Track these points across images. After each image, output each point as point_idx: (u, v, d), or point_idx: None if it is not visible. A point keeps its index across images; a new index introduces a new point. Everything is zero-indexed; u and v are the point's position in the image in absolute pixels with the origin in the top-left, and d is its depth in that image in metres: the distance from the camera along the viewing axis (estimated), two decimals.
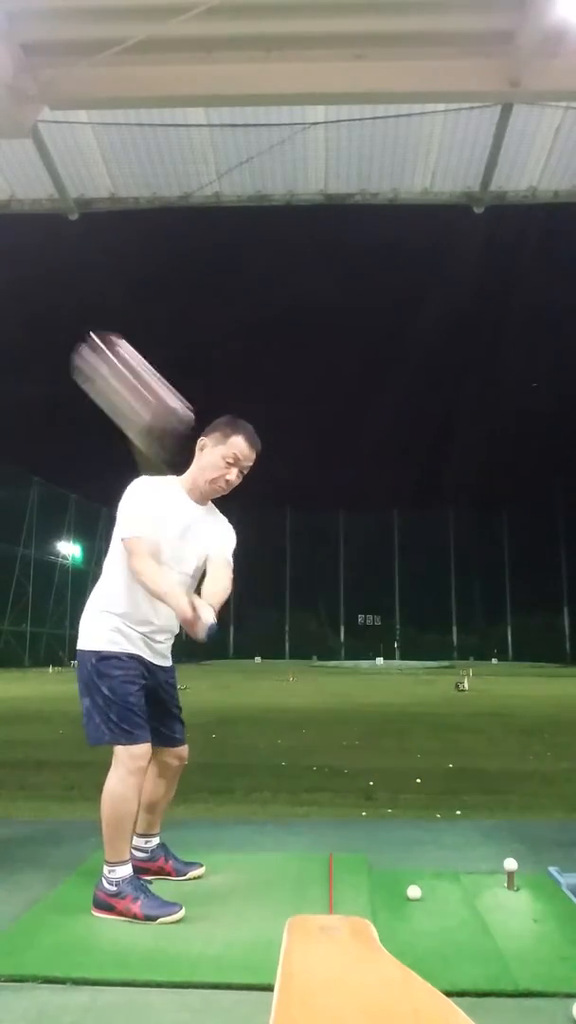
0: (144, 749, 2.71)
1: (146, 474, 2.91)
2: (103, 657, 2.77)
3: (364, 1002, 1.72)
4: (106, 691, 2.72)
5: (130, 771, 2.66)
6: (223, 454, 2.87)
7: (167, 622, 2.88)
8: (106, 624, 2.80)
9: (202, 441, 2.93)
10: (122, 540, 2.76)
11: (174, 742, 2.95)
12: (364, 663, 38.16)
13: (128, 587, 2.79)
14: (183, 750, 2.99)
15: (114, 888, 2.62)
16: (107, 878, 2.65)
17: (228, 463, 2.87)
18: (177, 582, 2.79)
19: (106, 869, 2.66)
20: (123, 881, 2.63)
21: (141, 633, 2.83)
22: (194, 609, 2.49)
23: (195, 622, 2.47)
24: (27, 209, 4.78)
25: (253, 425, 2.99)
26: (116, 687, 2.73)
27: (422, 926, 2.54)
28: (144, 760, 2.71)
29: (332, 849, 3.38)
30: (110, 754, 2.77)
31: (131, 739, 2.69)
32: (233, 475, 2.89)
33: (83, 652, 2.81)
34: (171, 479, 2.96)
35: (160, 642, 2.91)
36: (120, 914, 2.58)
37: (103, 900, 2.63)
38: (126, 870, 2.67)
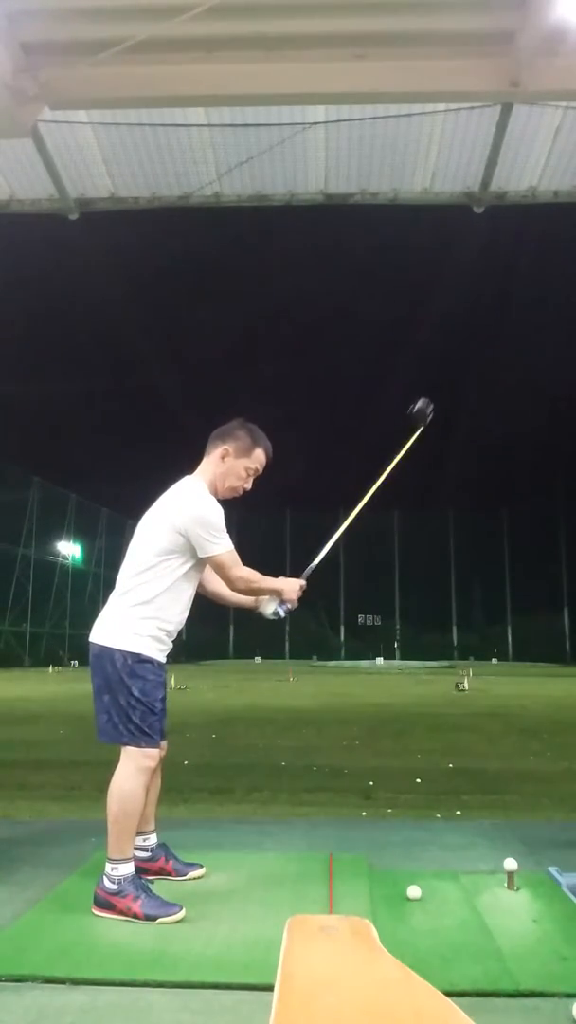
0: (156, 752, 2.78)
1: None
2: (141, 660, 2.79)
3: (364, 1002, 1.72)
4: (136, 692, 2.75)
5: (140, 769, 2.71)
6: (246, 466, 3.02)
7: (182, 625, 2.98)
8: (145, 629, 2.82)
9: (223, 449, 3.00)
10: (216, 555, 2.82)
11: (163, 735, 2.98)
12: (364, 663, 38.11)
13: (174, 598, 2.87)
14: (164, 742, 3.02)
15: (115, 886, 2.63)
16: (109, 876, 2.65)
17: (249, 474, 3.03)
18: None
19: (108, 867, 2.67)
20: (124, 879, 2.64)
21: (170, 640, 2.92)
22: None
23: (301, 589, 3.00)
24: (27, 209, 4.78)
25: (253, 424, 3.08)
26: (148, 690, 2.78)
27: (422, 926, 2.54)
28: (155, 761, 2.78)
29: (332, 849, 3.38)
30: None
31: (150, 742, 2.75)
32: (250, 484, 3.06)
33: (113, 650, 2.79)
34: (204, 486, 2.96)
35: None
36: (120, 913, 2.59)
37: (103, 899, 2.63)
38: (128, 868, 2.67)
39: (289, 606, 3.02)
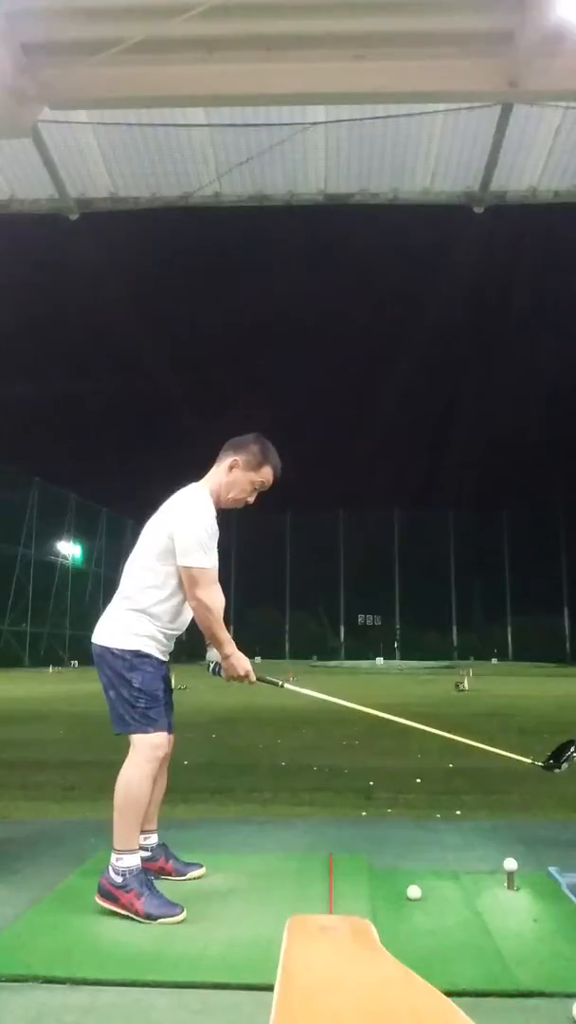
0: (162, 738, 2.82)
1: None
2: (140, 655, 2.85)
3: (364, 1002, 1.72)
4: (138, 684, 2.81)
5: (147, 759, 2.75)
6: (252, 480, 3.05)
7: (183, 628, 3.01)
8: (144, 630, 2.88)
9: (233, 460, 3.03)
10: (189, 567, 2.82)
11: (171, 728, 3.00)
12: (364, 663, 38.09)
13: (173, 600, 2.90)
14: (172, 737, 3.03)
15: (120, 879, 2.64)
16: (114, 867, 2.67)
17: (254, 488, 3.06)
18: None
19: (114, 857, 2.68)
20: (130, 873, 2.65)
21: (169, 643, 2.97)
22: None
23: (246, 679, 2.97)
24: (27, 209, 4.78)
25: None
26: (148, 680, 2.84)
27: (422, 926, 2.54)
28: (161, 750, 2.81)
29: (332, 849, 3.38)
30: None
31: (155, 726, 2.80)
32: (253, 498, 3.09)
33: (111, 649, 2.86)
34: (206, 495, 2.99)
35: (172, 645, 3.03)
36: (123, 907, 2.60)
37: (107, 889, 2.65)
38: (134, 860, 2.68)
39: (223, 675, 2.99)
